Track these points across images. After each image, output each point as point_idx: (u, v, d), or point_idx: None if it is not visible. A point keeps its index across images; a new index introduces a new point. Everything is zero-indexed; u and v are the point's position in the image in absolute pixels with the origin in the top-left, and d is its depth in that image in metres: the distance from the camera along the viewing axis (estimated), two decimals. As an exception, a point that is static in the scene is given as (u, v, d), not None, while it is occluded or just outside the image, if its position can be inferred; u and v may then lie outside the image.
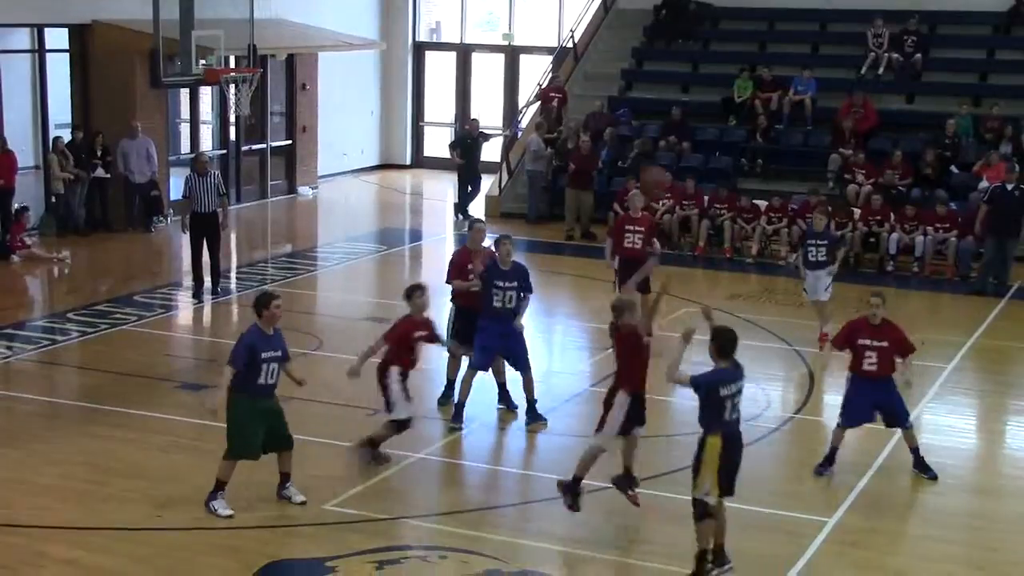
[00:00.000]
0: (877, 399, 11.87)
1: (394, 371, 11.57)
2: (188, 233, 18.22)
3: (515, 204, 25.76)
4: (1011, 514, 11.50)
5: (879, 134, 24.10)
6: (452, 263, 13.76)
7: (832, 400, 14.55)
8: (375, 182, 30.37)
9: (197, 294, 18.32)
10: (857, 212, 21.57)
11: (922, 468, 11.95)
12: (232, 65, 21.88)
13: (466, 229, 14.56)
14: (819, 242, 16.30)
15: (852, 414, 12.00)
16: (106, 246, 22.16)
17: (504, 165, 26.51)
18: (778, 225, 22.01)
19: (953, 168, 22.82)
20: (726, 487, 9.63)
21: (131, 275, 20.21)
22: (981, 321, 18.06)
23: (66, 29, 22.83)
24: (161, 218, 23.51)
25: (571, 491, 10.64)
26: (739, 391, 9.65)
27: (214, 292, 18.45)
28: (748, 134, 25.03)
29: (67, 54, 23.09)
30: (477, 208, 25.77)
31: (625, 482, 10.85)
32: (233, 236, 23.16)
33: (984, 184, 21.29)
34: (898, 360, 11.96)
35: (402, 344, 11.66)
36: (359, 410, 13.34)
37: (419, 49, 32.42)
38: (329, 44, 27.55)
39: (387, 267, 21.96)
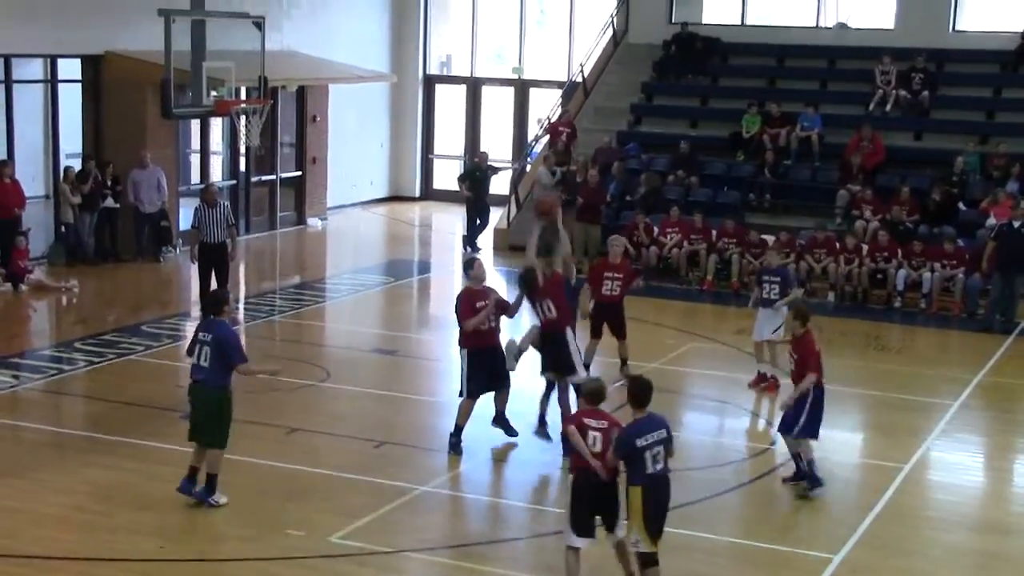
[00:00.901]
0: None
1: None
2: (197, 263, 18.28)
3: (523, 237, 25.66)
4: (1019, 552, 11.46)
5: (886, 170, 24.14)
6: (460, 303, 13.31)
7: (837, 435, 14.57)
8: (384, 214, 30.45)
9: None
10: (865, 248, 21.59)
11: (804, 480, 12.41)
12: (243, 96, 21.95)
13: (464, 270, 14.28)
14: (772, 278, 16.21)
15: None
16: (115, 275, 22.24)
17: (513, 198, 26.58)
18: (786, 260, 21.98)
19: (960, 205, 22.84)
20: (656, 532, 9.53)
21: (139, 305, 20.27)
22: (988, 358, 18.03)
23: (79, 59, 23.00)
24: (170, 248, 23.60)
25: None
26: (660, 441, 9.45)
27: None
28: (756, 169, 25.08)
29: (79, 84, 23.25)
30: (485, 241, 25.83)
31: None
32: (242, 266, 23.27)
33: (992, 221, 21.32)
34: None
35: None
36: (366, 442, 13.37)
37: (429, 82, 32.57)
38: (340, 76, 27.70)
39: (395, 299, 21.99)
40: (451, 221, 28.65)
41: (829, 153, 24.79)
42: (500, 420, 13.42)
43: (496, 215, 26.38)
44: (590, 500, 9.65)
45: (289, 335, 18.80)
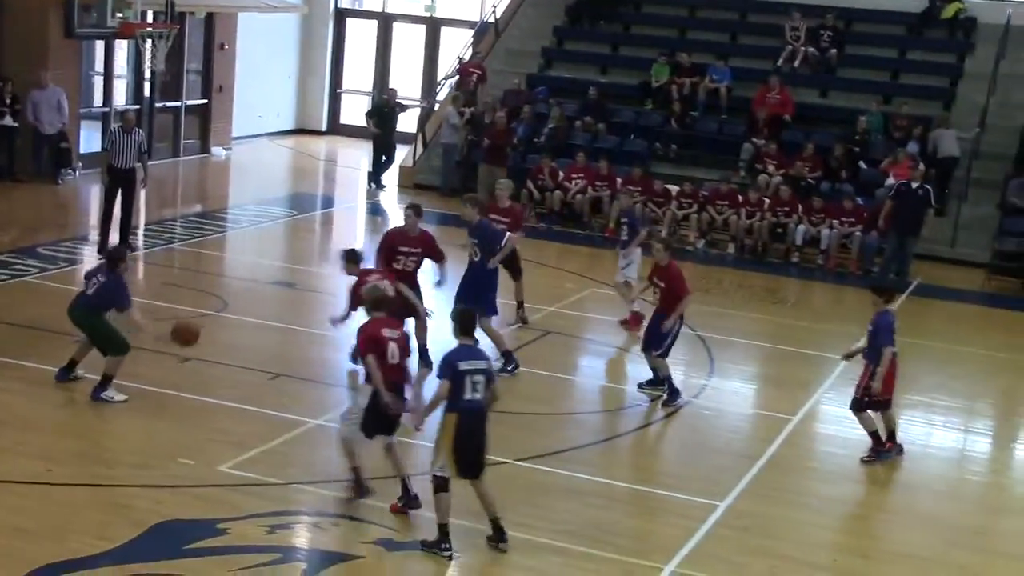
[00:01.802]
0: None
1: None
2: (103, 186, 17.99)
3: (429, 176, 25.72)
4: (895, 503, 11.78)
5: (791, 126, 24.40)
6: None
7: (729, 385, 14.82)
8: (290, 147, 30.15)
9: (102, 249, 18.09)
10: (766, 202, 21.85)
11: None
12: (149, 20, 21.55)
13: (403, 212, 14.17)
14: (623, 220, 16.81)
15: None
16: (11, 196, 21.77)
17: (420, 136, 26.46)
18: (688, 211, 22.24)
19: (861, 164, 23.18)
20: (464, 467, 9.68)
21: (36, 227, 19.87)
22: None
23: (-21, -27, 22.39)
24: (70, 170, 23.15)
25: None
26: (480, 371, 9.67)
27: (122, 243, 18.14)
28: (663, 119, 25.23)
29: (-21, -1, 22.65)
30: (391, 178, 25.71)
31: None
32: (142, 193, 22.92)
33: (891, 181, 21.66)
34: None
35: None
36: (261, 374, 13.31)
37: (340, 15, 32.19)
38: (249, 5, 27.26)
39: (297, 232, 21.84)
40: (357, 157, 28.45)
41: (736, 106, 24.99)
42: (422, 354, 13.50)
43: (402, 153, 26.25)
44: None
45: (188, 264, 18.60)
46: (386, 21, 31.98)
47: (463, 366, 9.61)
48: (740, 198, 21.93)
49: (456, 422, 9.62)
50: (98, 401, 12.02)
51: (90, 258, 18.23)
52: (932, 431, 14.27)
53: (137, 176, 18.04)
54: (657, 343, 13.50)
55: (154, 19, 21.65)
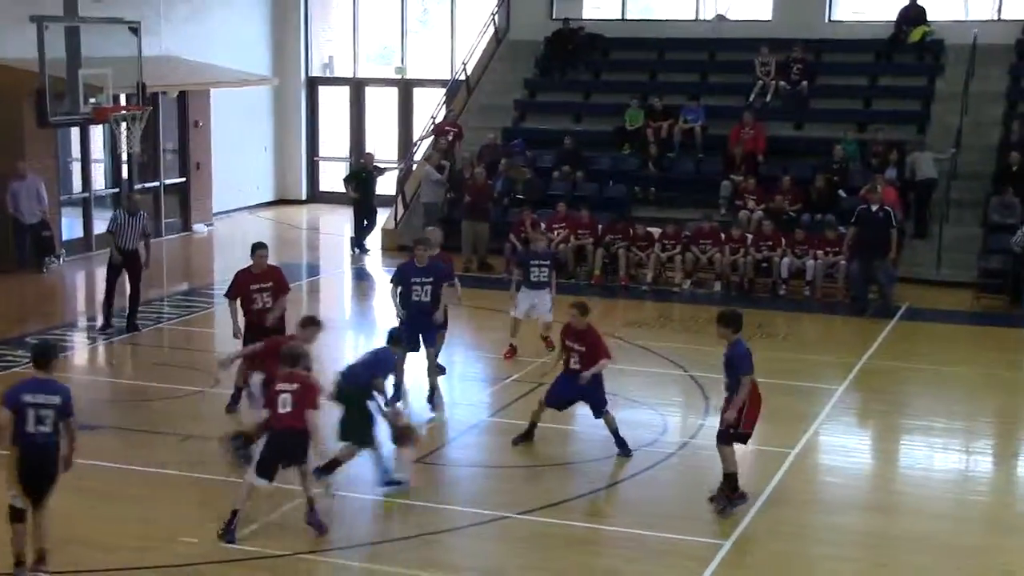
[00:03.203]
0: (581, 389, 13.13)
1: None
2: (111, 264, 18.35)
3: (412, 237, 25.65)
4: (902, 531, 11.73)
5: (769, 160, 24.53)
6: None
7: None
8: (271, 218, 30.20)
9: (104, 328, 18.37)
10: (749, 238, 21.94)
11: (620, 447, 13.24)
12: (123, 103, 21.61)
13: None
14: (541, 262, 16.96)
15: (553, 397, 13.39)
16: (-4, 288, 21.77)
17: (399, 198, 26.54)
18: (672, 252, 22.29)
19: (841, 192, 23.28)
20: (29, 490, 9.82)
21: (23, 317, 19.86)
22: (871, 342, 18.44)
23: (-50, 69, 22.46)
24: (53, 258, 23.16)
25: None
26: (47, 405, 9.76)
27: (130, 325, 18.40)
28: (641, 163, 25.35)
29: (-49, 95, 22.71)
30: (373, 242, 25.76)
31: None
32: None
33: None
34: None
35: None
36: (259, 447, 13.24)
37: (312, 83, 32.37)
38: (221, 80, 27.40)
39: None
40: (339, 223, 28.50)
41: (712, 145, 25.13)
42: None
43: (383, 216, 26.31)
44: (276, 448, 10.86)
45: (178, 342, 18.57)
46: (358, 86, 32.16)
47: (25, 398, 9.73)
48: (723, 235, 22.00)
49: (19, 456, 9.74)
50: None
51: (80, 344, 18.24)
52: (932, 454, 14.27)
53: (140, 257, 18.38)
54: (599, 406, 13.28)
55: (127, 102, 21.69)
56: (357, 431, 11.91)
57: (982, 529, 11.98)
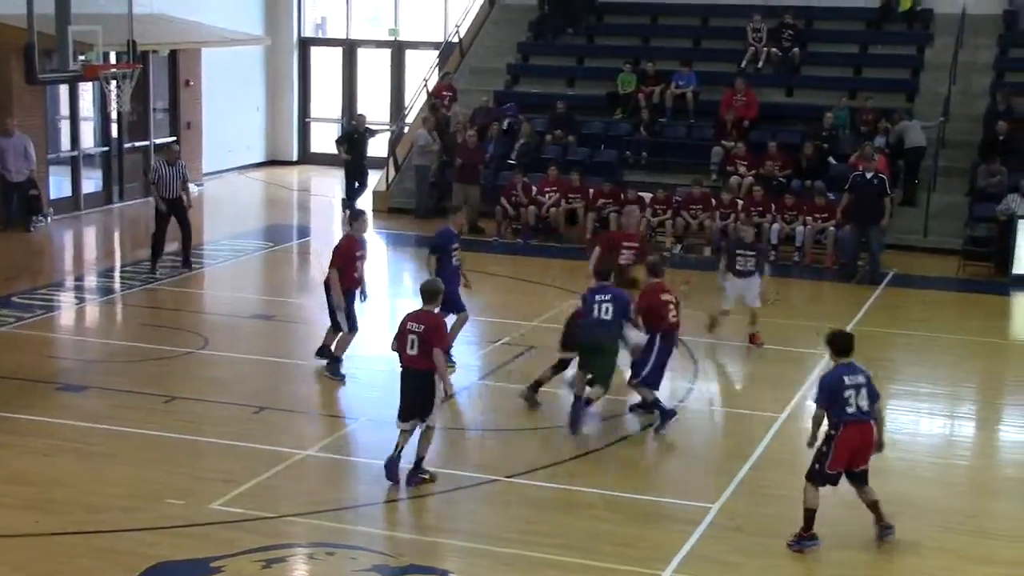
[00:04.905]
0: None
1: None
2: (159, 213, 19.57)
3: (403, 199, 25.73)
4: (887, 494, 11.75)
5: (759, 126, 24.51)
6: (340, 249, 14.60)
7: (716, 387, 14.87)
8: (262, 179, 30.12)
9: (153, 268, 19.58)
10: (739, 203, 21.93)
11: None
12: (112, 61, 21.49)
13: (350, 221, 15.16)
14: (747, 253, 16.60)
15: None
16: (-17, 246, 21.71)
17: (391, 160, 26.47)
18: (662, 217, 22.28)
19: (831, 159, 23.29)
20: None
21: (10, 276, 19.76)
22: (859, 308, 18.50)
23: (-62, 25, 22.31)
24: (41, 217, 23.07)
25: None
26: None
27: (185, 262, 19.86)
28: (632, 127, 25.30)
29: (-60, 50, 22.57)
30: (365, 203, 25.69)
31: None
32: (117, 234, 22.92)
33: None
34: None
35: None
36: (246, 408, 13.29)
37: (304, 45, 32.20)
38: (213, 40, 27.26)
39: (274, 264, 21.80)
40: (330, 184, 28.45)
41: (703, 110, 25.07)
42: None
43: (375, 178, 26.24)
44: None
45: (167, 303, 18.53)
46: (351, 47, 32.01)
47: None
48: (713, 201, 22.00)
49: None
50: None
51: (67, 304, 18.22)
52: (918, 419, 14.34)
53: (183, 201, 19.60)
54: (635, 372, 13.42)
55: (117, 60, 21.56)
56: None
57: (967, 492, 12.07)
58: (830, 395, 10.25)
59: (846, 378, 10.30)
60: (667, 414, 13.10)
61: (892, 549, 10.54)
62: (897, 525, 10.73)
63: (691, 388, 14.63)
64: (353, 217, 15.31)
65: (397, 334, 11.28)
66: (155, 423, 12.73)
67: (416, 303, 11.66)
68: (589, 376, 12.80)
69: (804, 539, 10.46)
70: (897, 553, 10.48)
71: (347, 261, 14.35)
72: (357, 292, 14.50)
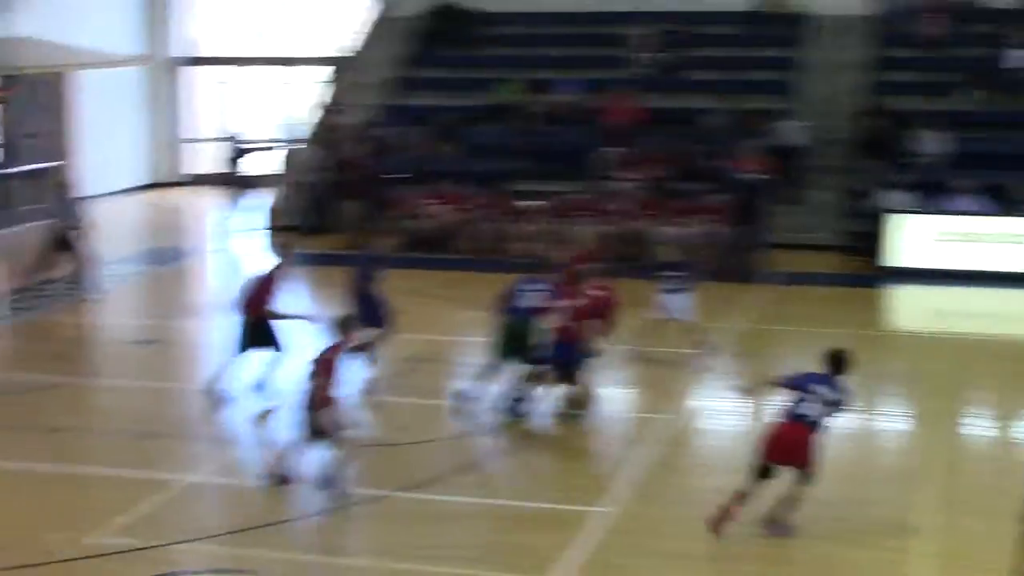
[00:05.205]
0: None
1: None
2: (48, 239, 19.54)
3: (289, 216, 25.47)
4: (779, 488, 11.88)
5: (644, 131, 24.69)
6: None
7: (609, 392, 14.87)
8: (144, 201, 29.65)
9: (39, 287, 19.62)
10: (626, 208, 22.07)
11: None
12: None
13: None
14: (672, 273, 16.53)
15: None
16: None
17: (278, 178, 26.22)
18: (550, 225, 22.31)
19: (713, 162, 23.52)
20: None
21: None
22: (745, 307, 18.74)
23: None
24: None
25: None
26: None
27: (81, 288, 19.51)
28: (518, 136, 25.32)
29: None
30: (251, 222, 25.41)
31: None
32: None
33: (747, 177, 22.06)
34: None
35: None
36: (128, 435, 13.01)
37: (185, 64, 31.80)
38: (87, 61, 26.76)
39: (155, 287, 21.47)
40: (213, 204, 28.07)
41: (588, 118, 25.20)
42: None
43: (264, 196, 25.96)
44: None
45: (47, 332, 18.13)
46: (231, 65, 31.68)
47: None
48: (599, 207, 22.10)
49: None
50: None
51: None
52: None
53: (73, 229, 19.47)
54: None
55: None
56: None
57: (852, 482, 12.17)
58: (793, 385, 10.69)
59: (815, 384, 10.64)
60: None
61: (783, 544, 10.60)
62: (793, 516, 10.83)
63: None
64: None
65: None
66: (36, 456, 12.37)
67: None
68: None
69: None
70: (787, 547, 10.54)
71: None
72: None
